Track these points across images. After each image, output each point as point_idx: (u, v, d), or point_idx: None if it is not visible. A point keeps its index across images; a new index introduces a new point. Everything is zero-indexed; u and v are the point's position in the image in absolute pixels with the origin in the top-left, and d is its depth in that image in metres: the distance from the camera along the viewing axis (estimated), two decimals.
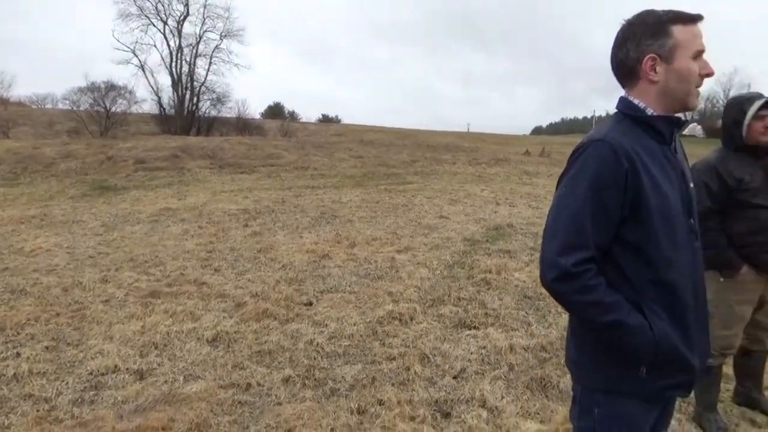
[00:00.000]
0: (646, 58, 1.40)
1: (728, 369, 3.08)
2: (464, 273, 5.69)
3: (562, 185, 1.44)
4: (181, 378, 3.35)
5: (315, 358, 3.62)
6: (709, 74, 1.41)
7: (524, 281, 5.34)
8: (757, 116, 2.64)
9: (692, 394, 2.69)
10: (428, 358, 3.62)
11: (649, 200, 1.35)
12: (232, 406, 3.03)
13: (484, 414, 2.92)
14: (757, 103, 2.64)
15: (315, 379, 3.34)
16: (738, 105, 2.72)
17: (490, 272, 5.60)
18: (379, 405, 3.01)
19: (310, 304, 4.75)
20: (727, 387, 3.12)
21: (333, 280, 5.44)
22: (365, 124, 43.83)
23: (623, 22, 1.45)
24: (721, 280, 2.69)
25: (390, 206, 10.55)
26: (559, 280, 1.35)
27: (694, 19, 1.40)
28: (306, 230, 8.08)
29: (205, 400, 3.07)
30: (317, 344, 3.83)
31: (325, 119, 55.64)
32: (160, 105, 33.45)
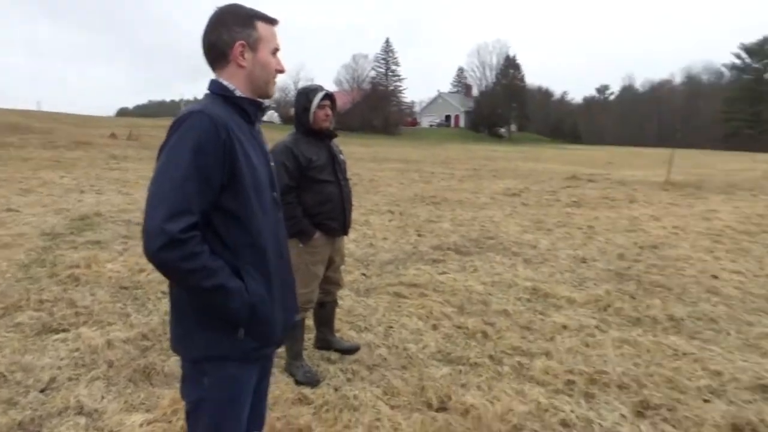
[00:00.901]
0: (237, 44, 1.53)
1: (309, 321, 3.60)
2: (46, 272, 4.97)
3: (163, 155, 1.44)
4: None
5: None
6: (281, 71, 1.63)
7: (119, 272, 5.02)
8: (320, 105, 3.14)
9: (282, 348, 3.06)
10: (5, 376, 3.05)
11: (243, 171, 1.48)
12: None
13: (83, 421, 2.65)
14: (320, 94, 3.14)
15: None
16: (305, 95, 3.17)
17: (78, 267, 5.06)
18: None
19: None
20: (309, 336, 3.65)
21: None
22: None
23: (216, 9, 1.55)
24: (300, 245, 3.11)
25: None
26: (166, 248, 1.34)
27: (272, 21, 1.61)
28: None
29: None
30: None
31: None
32: None
